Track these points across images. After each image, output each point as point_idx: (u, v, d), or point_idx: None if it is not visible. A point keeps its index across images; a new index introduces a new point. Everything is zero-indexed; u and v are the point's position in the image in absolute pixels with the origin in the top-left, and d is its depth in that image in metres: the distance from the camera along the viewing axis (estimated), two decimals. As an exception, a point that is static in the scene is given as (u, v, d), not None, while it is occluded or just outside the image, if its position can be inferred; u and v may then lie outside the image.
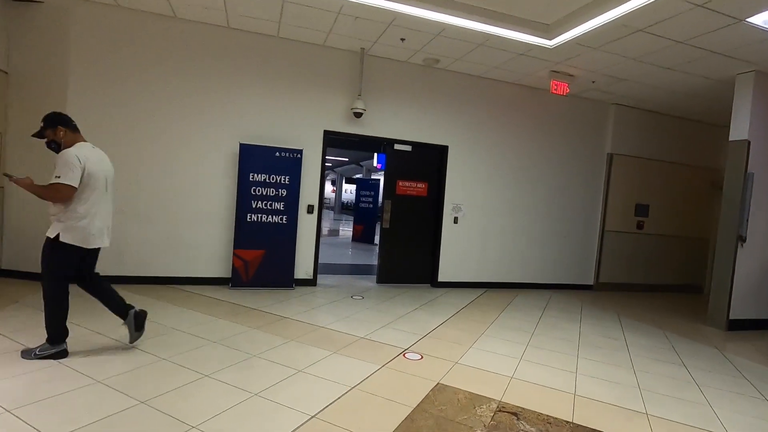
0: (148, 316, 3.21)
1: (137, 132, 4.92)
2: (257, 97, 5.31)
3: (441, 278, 6.27)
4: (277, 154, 5.23)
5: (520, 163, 6.61)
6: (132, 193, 4.91)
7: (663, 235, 7.58)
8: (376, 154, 15.22)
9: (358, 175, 26.52)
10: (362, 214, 11.63)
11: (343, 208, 27.03)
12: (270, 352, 3.27)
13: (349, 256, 9.01)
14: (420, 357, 3.43)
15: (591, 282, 7.20)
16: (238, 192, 5.14)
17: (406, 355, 3.46)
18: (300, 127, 5.52)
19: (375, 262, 8.28)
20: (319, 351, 3.37)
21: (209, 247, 5.23)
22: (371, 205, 11.45)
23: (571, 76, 5.86)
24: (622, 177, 7.20)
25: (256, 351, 3.26)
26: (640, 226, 7.40)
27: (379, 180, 12.32)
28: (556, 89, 5.84)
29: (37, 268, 2.88)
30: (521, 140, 6.60)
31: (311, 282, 5.68)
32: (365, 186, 11.73)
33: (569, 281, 7.06)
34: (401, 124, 5.98)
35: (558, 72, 5.75)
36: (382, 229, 6.13)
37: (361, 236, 11.41)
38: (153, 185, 5.00)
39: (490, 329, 4.38)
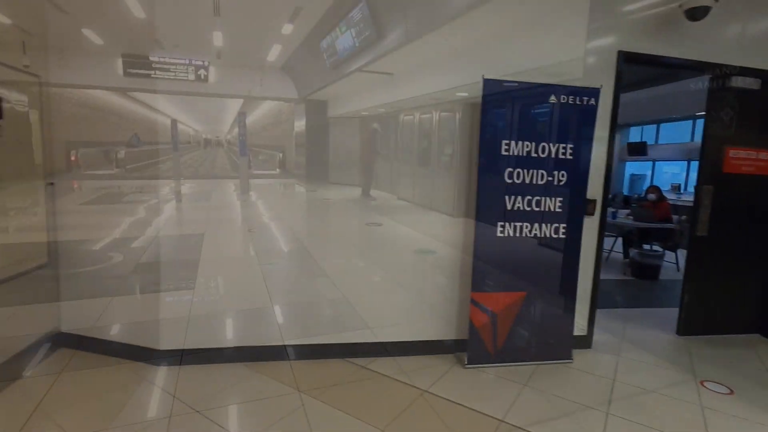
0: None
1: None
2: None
3: (791, 324, 3.43)
4: (554, 98, 2.58)
5: None
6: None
7: None
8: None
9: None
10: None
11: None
12: None
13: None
14: None
15: None
16: (479, 179, 2.58)
17: None
18: (566, 42, 2.80)
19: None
20: None
21: (414, 290, 2.77)
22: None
23: None
24: None
25: None
26: None
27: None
28: None
29: None
30: None
31: (585, 342, 3.07)
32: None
33: None
34: (752, 38, 3.09)
35: None
36: (693, 240, 3.31)
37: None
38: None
39: None
